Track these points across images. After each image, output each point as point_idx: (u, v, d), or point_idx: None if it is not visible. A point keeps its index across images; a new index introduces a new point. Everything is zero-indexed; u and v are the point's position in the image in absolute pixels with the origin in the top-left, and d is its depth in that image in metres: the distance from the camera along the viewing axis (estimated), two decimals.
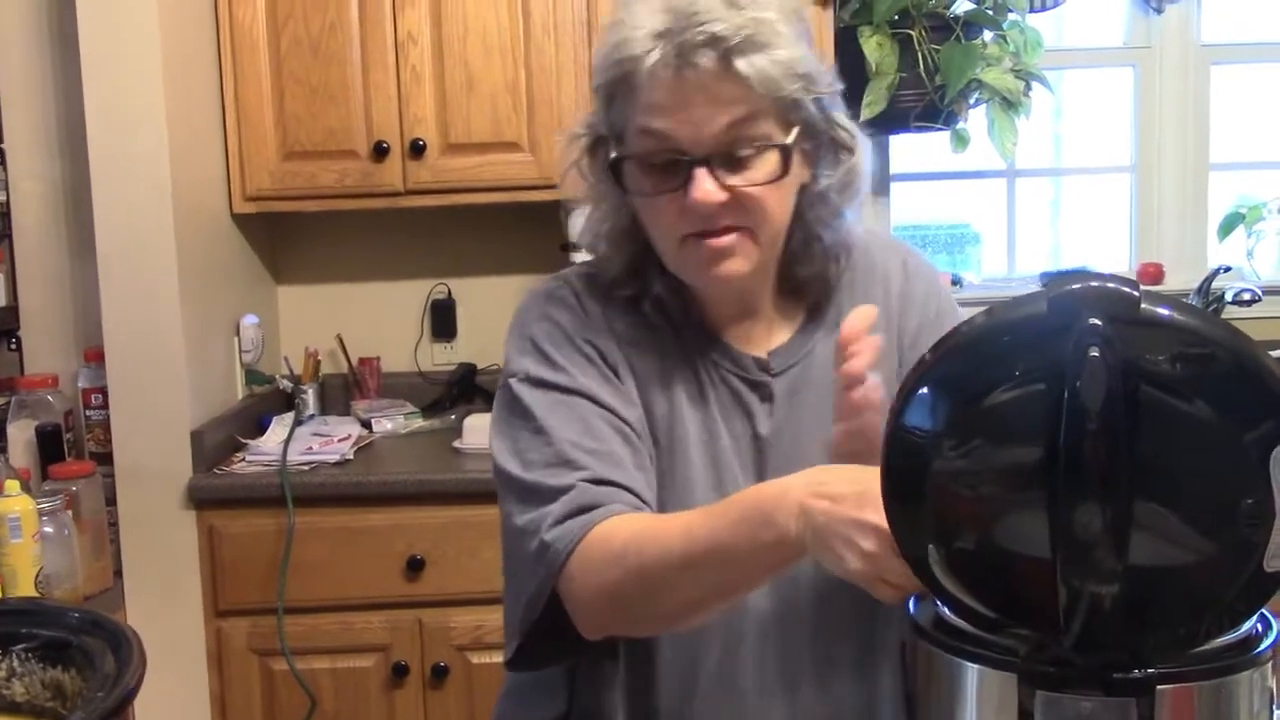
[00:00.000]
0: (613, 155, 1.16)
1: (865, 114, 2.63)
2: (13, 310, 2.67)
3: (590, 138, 1.22)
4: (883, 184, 3.04)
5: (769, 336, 1.26)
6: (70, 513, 2.19)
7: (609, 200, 1.22)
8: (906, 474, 0.78)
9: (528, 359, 1.22)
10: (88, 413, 2.50)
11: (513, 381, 1.22)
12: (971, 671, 0.82)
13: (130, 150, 2.33)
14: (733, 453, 1.23)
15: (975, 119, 2.79)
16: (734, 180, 1.11)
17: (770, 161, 1.12)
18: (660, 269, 1.22)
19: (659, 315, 1.24)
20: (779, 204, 1.16)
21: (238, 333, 2.65)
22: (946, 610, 0.86)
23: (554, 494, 1.13)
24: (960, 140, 2.81)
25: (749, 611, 1.21)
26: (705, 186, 1.10)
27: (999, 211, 3.21)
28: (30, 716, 0.96)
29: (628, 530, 1.08)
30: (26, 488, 2.16)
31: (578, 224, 2.66)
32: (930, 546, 0.77)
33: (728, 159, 1.11)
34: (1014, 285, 3.13)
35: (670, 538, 1.04)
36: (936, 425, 0.77)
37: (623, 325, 1.24)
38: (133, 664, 0.89)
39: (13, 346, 2.69)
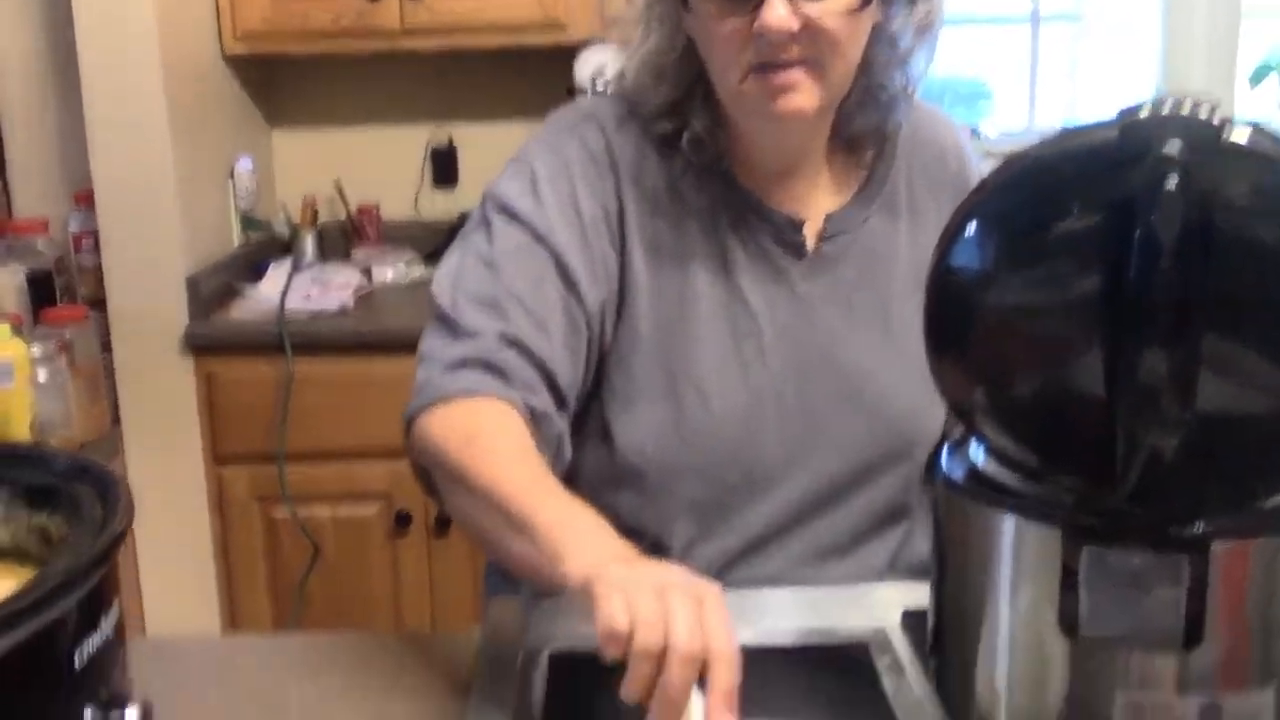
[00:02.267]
0: None
1: None
2: None
3: None
4: None
5: (814, 200, 1.19)
6: (64, 358, 2.14)
7: (665, 25, 1.12)
8: (952, 318, 0.72)
9: (516, 186, 1.15)
10: (79, 257, 2.43)
11: (490, 204, 1.15)
12: (1009, 525, 0.78)
13: None
14: (766, 319, 1.17)
15: None
16: (810, 8, 1.03)
17: None
18: (703, 107, 1.14)
19: (695, 154, 1.15)
20: (853, 39, 1.07)
21: (232, 177, 2.57)
22: (984, 463, 0.82)
23: (464, 333, 1.08)
24: None
25: (772, 480, 1.18)
26: (779, 11, 1.01)
27: (1014, 64, 3.08)
28: (16, 562, 0.92)
29: (489, 429, 1.02)
30: (18, 333, 2.11)
31: (585, 68, 2.57)
32: (977, 392, 0.72)
33: None
34: (1033, 138, 3.02)
35: (493, 477, 0.96)
36: (986, 264, 0.71)
37: (649, 168, 1.16)
38: (120, 510, 0.84)
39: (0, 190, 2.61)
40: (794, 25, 1.02)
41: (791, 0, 1.02)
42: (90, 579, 0.79)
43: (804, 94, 1.06)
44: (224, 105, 2.59)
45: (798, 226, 1.17)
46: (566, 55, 2.47)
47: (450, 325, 1.10)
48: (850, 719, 0.94)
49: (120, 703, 0.81)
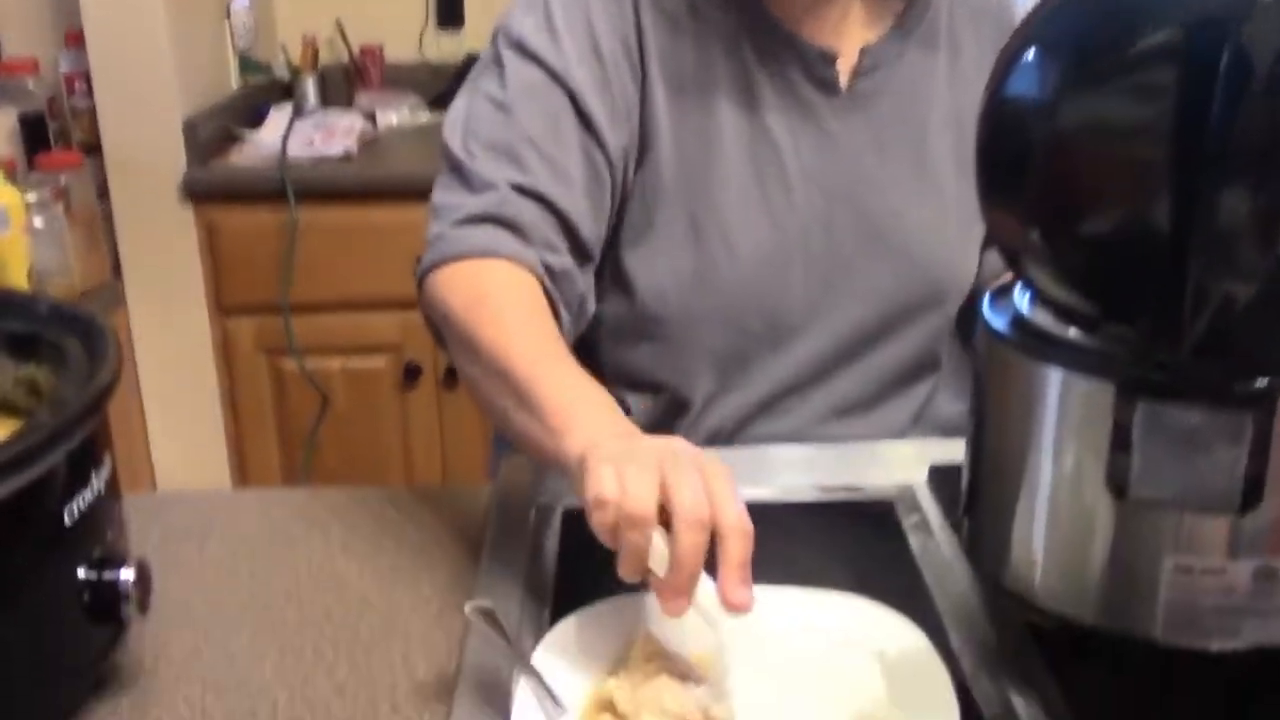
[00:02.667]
0: None
1: None
2: None
3: None
4: None
5: (847, 32, 1.11)
6: (60, 205, 2.09)
7: None
8: (1007, 151, 0.65)
9: (530, 21, 1.06)
10: (72, 100, 2.35)
11: (502, 40, 1.07)
12: (1057, 378, 0.72)
13: None
14: (793, 158, 1.10)
15: None
16: None
17: None
18: None
19: None
20: None
21: (228, 16, 2.46)
22: (1030, 311, 0.76)
23: (479, 185, 1.02)
24: None
25: (796, 329, 1.13)
26: None
27: None
28: (5, 415, 0.88)
29: (498, 294, 0.96)
30: (12, 178, 2.05)
31: None
32: (1032, 234, 0.66)
33: None
34: None
35: (499, 345, 0.90)
36: (1047, 90, 0.64)
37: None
38: (107, 360, 0.79)
39: None
40: None
41: None
42: (79, 432, 0.75)
43: None
44: None
45: (830, 60, 1.09)
46: None
47: (463, 175, 1.03)
48: (873, 579, 0.90)
49: (115, 562, 0.77)
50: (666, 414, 1.16)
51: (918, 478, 1.04)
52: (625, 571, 0.73)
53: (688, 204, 1.09)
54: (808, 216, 1.11)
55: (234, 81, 2.51)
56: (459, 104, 1.08)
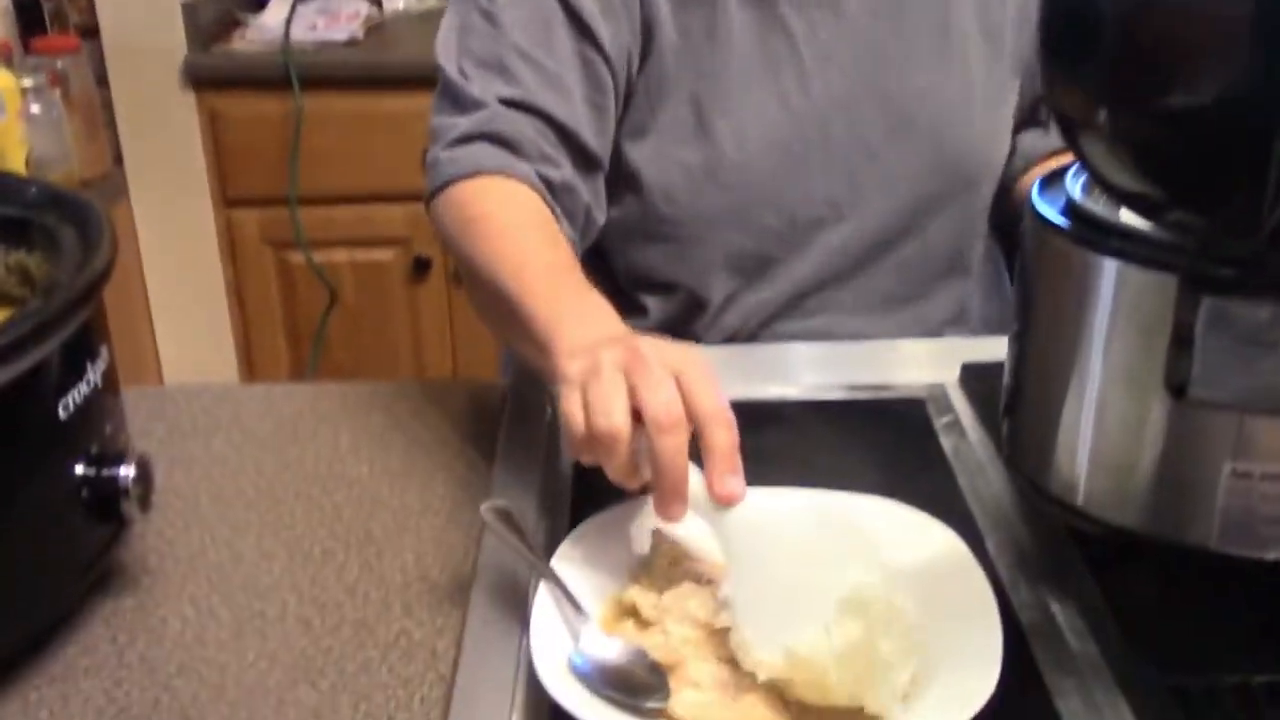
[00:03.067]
0: None
1: None
2: None
3: None
4: None
5: None
6: (58, 91, 2.02)
7: None
8: (1075, 18, 0.60)
9: None
10: None
11: None
12: (1113, 270, 0.67)
13: None
14: (806, 43, 1.04)
15: None
16: None
17: None
18: None
19: None
20: None
21: None
22: (1083, 198, 0.71)
23: (470, 104, 0.98)
24: None
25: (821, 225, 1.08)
26: None
27: None
28: None
29: (491, 213, 0.92)
30: (8, 64, 1.98)
31: None
32: (1099, 109, 0.60)
33: None
34: None
35: (492, 266, 0.87)
36: None
37: None
38: (102, 245, 0.75)
39: None
40: None
41: None
42: (72, 321, 0.71)
43: None
44: None
45: None
46: None
47: (454, 94, 0.99)
48: (905, 482, 0.87)
49: (114, 458, 0.74)
50: (683, 315, 1.11)
51: (950, 377, 1.00)
52: (618, 482, 0.69)
53: (694, 98, 1.03)
54: (825, 103, 1.05)
55: None
56: (448, 18, 1.04)
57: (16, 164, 1.88)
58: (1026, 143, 1.17)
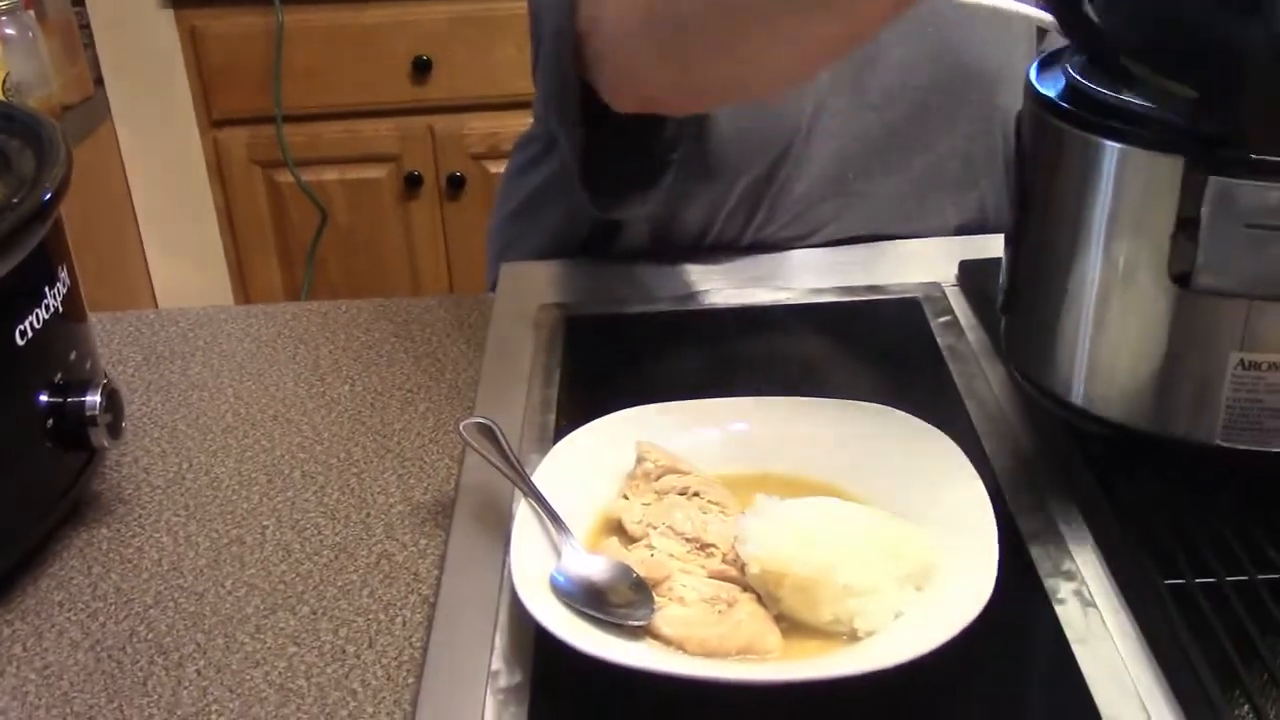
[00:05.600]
0: None
1: None
2: None
3: None
4: None
5: None
6: (32, 13, 1.97)
7: None
8: None
9: None
10: None
11: None
12: (1112, 152, 0.64)
13: None
14: None
15: None
16: None
17: None
18: None
19: None
20: None
21: None
22: (1082, 78, 0.67)
23: None
24: None
25: (818, 126, 1.03)
26: None
27: None
28: None
29: None
30: None
31: None
32: None
33: None
34: None
35: None
36: None
37: None
38: (55, 163, 0.72)
39: None
40: None
41: None
42: (25, 243, 0.68)
43: None
44: None
45: None
46: None
47: None
48: (899, 384, 0.84)
49: (79, 386, 0.71)
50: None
51: (946, 275, 0.97)
52: None
53: None
54: None
55: None
56: None
57: None
58: None
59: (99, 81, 2.18)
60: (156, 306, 2.30)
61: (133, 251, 2.28)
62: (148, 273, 2.32)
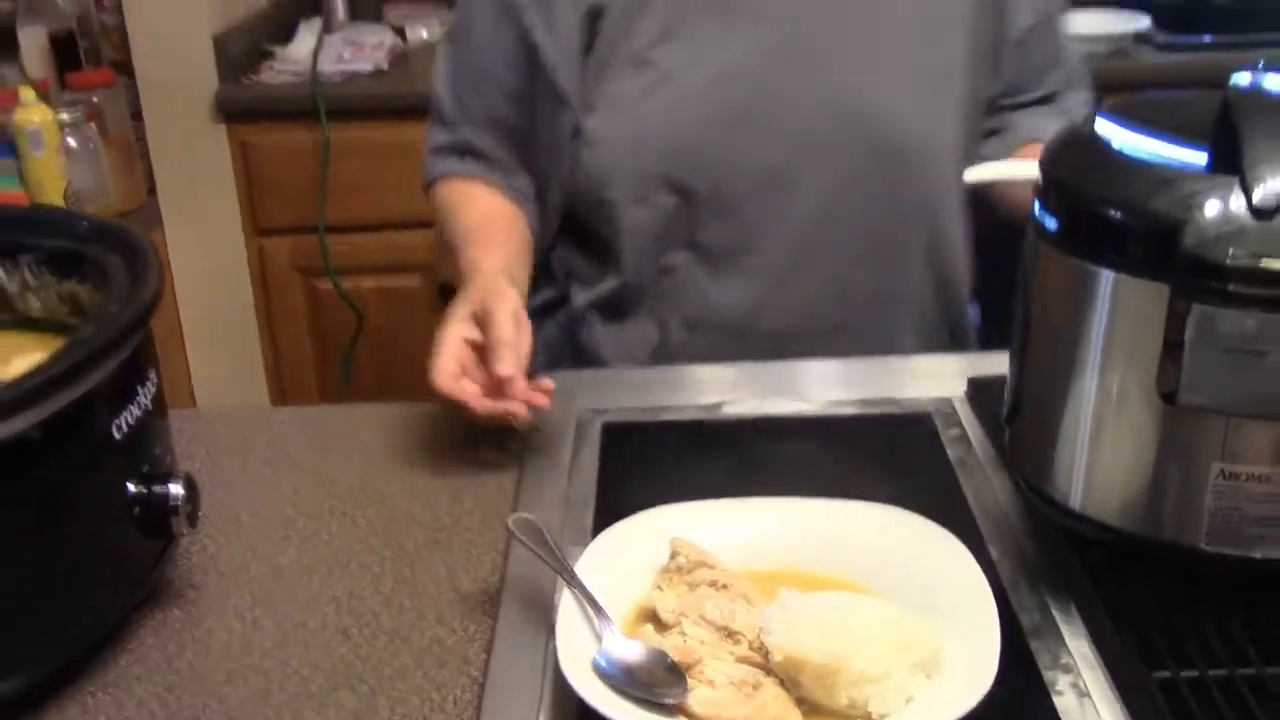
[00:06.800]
0: None
1: None
2: None
3: None
4: None
5: None
6: (94, 125, 2.08)
7: None
8: None
9: None
10: (101, 16, 2.33)
11: None
12: (1107, 280, 0.71)
13: None
14: (748, 24, 1.11)
15: None
16: None
17: None
18: None
19: None
20: None
21: None
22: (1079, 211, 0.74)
23: (447, 120, 1.20)
24: None
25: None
26: None
27: None
28: (50, 333, 0.88)
29: (457, 206, 1.17)
30: (44, 99, 2.04)
31: None
32: None
33: None
34: None
35: (453, 237, 1.13)
36: None
37: None
38: (150, 275, 0.80)
39: None
40: None
41: None
42: (124, 347, 0.75)
43: None
44: None
45: None
46: None
47: (437, 108, 1.21)
48: (912, 491, 0.90)
49: (164, 476, 0.78)
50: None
51: (956, 391, 1.04)
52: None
53: (633, 58, 1.11)
54: (758, 73, 1.11)
55: None
56: (442, 46, 1.23)
57: (55, 197, 1.95)
58: (986, 151, 1.20)
59: (152, 189, 2.28)
60: (195, 403, 2.38)
61: (174, 348, 2.37)
62: (187, 370, 2.40)
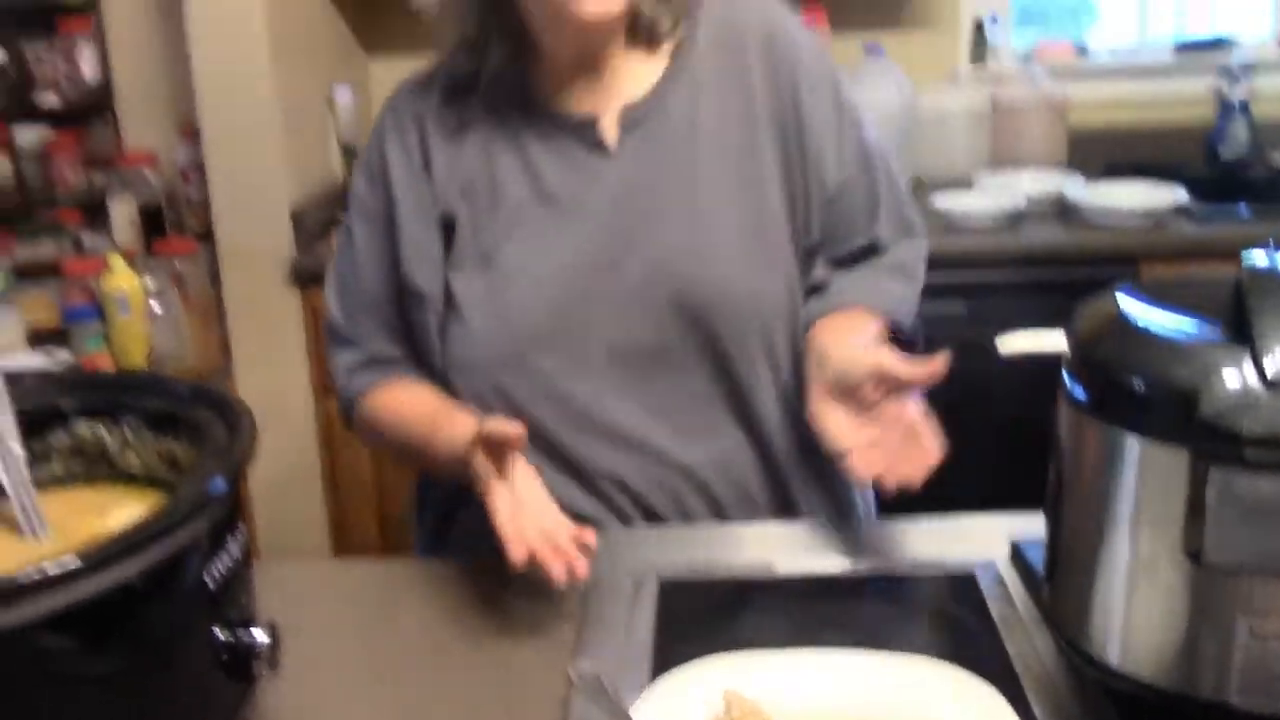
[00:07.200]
0: None
1: None
2: (107, 86, 2.63)
3: None
4: None
5: (616, 94, 1.22)
6: (176, 291, 2.20)
7: None
8: None
9: (357, 174, 1.28)
10: (187, 190, 2.48)
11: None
12: (1134, 446, 0.76)
13: None
14: (576, 214, 1.19)
15: None
16: None
17: None
18: (500, 42, 1.20)
19: (494, 87, 1.22)
20: None
21: (332, 108, 2.59)
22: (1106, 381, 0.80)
23: (348, 340, 1.27)
24: None
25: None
26: None
27: None
28: (146, 487, 0.95)
29: (391, 410, 1.23)
30: (132, 266, 2.17)
31: None
32: None
33: None
34: (1144, 54, 2.92)
35: (413, 433, 1.19)
36: None
37: (450, 107, 1.23)
38: (244, 434, 0.87)
39: (109, 123, 2.66)
40: None
41: None
42: (220, 502, 0.82)
43: None
44: (323, 35, 2.61)
45: (593, 124, 1.20)
46: None
47: (335, 333, 1.28)
48: (956, 647, 0.94)
49: (249, 622, 0.83)
50: None
51: (999, 552, 1.07)
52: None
53: (483, 267, 1.20)
54: (594, 262, 1.18)
55: (338, 170, 2.64)
56: (332, 262, 1.30)
57: (138, 358, 2.06)
58: (808, 310, 1.23)
59: (226, 350, 2.39)
60: (259, 554, 2.43)
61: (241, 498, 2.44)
62: (253, 520, 2.47)
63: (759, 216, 1.21)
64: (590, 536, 0.99)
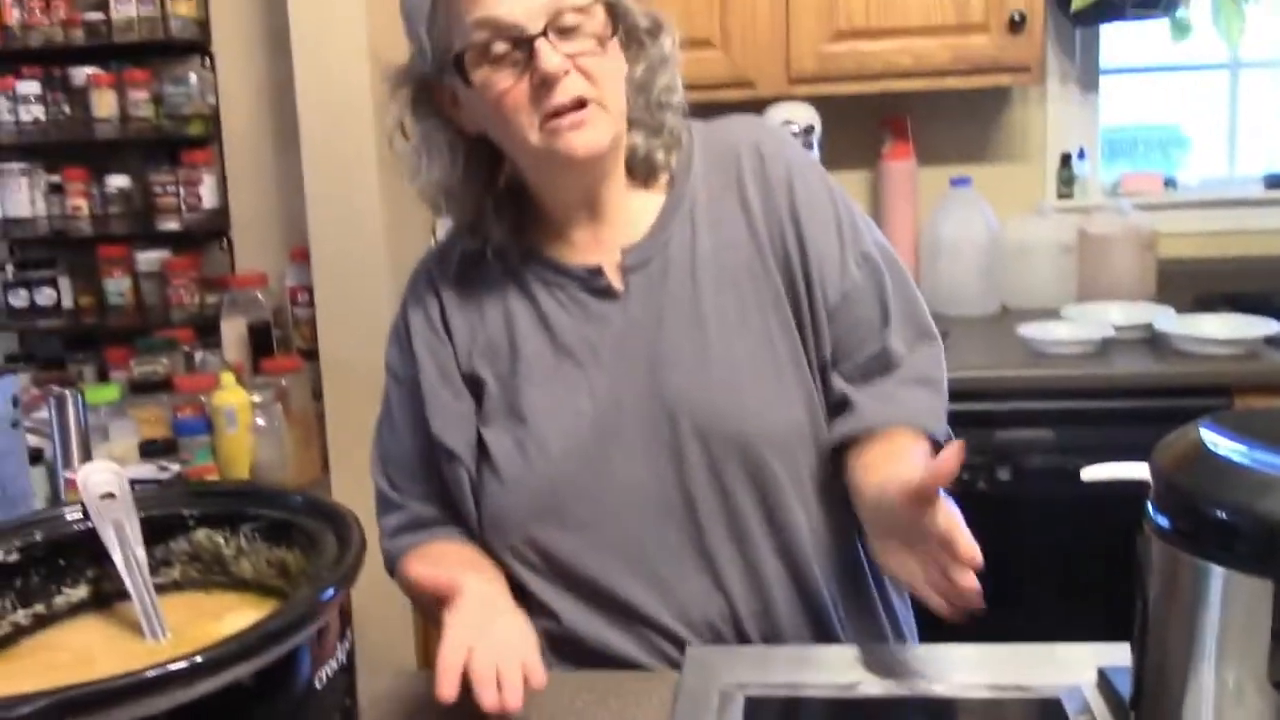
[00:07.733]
0: (456, 49, 1.17)
1: (1076, 1, 2.47)
2: (223, 211, 2.77)
3: (413, 86, 1.24)
4: (1090, 78, 2.88)
5: (622, 233, 1.25)
6: (280, 406, 2.29)
7: (442, 151, 1.24)
8: None
9: (390, 345, 1.34)
10: (294, 310, 2.59)
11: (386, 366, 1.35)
12: (1218, 575, 0.77)
13: (332, 50, 2.37)
14: (590, 363, 1.23)
15: (1198, 5, 2.60)
16: (571, 48, 1.15)
17: (598, 19, 1.16)
18: (498, 218, 1.26)
19: (501, 259, 1.28)
20: (616, 68, 1.19)
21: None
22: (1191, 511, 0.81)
23: (394, 505, 1.33)
24: (1180, 29, 2.63)
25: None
26: (551, 57, 1.13)
27: (1213, 110, 3.00)
28: (257, 594, 1.00)
29: (417, 571, 1.24)
30: (240, 381, 2.27)
31: (774, 122, 2.63)
32: None
33: (560, 30, 1.14)
34: (1234, 186, 2.94)
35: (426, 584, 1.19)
36: None
37: (466, 278, 1.28)
38: (354, 544, 0.91)
39: (224, 247, 2.80)
40: (567, 65, 1.14)
41: (555, 46, 1.14)
42: (330, 608, 0.86)
43: (596, 128, 1.16)
44: None
45: (597, 273, 1.24)
46: (756, 109, 2.53)
47: (383, 498, 1.35)
48: None
49: None
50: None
51: (1086, 677, 1.08)
52: None
53: (509, 424, 1.24)
54: (611, 407, 1.21)
55: None
56: (377, 429, 1.37)
57: (242, 470, 2.13)
58: (838, 430, 1.22)
59: (325, 464, 2.46)
60: None
61: None
62: None
63: (769, 341, 1.22)
64: (538, 680, 1.02)
